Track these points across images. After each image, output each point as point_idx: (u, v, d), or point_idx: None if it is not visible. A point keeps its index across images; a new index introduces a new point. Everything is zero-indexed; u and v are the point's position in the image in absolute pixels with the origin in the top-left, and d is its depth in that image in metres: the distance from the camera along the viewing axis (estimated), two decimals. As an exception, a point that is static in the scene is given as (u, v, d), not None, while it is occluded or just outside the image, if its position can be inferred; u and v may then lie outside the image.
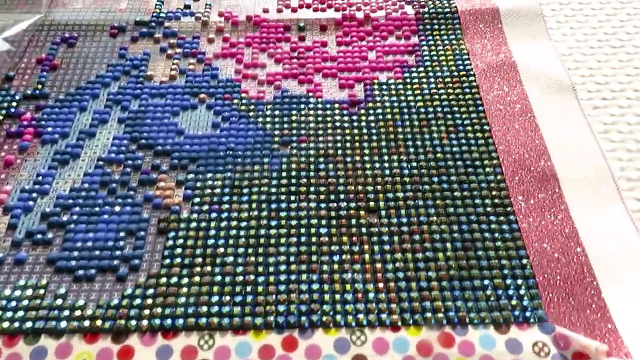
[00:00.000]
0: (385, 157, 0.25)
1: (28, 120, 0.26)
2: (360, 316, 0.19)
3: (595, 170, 0.24)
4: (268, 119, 0.26)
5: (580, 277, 0.20)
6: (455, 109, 0.26)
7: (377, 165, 0.24)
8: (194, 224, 0.22)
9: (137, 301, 0.20)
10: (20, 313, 0.19)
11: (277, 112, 0.27)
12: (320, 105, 0.27)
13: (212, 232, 0.22)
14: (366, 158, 0.25)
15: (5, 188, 0.23)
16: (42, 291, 0.20)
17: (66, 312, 0.19)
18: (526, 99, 0.26)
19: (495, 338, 0.19)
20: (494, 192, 0.23)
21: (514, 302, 0.20)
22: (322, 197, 0.23)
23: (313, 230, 0.22)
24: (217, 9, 0.32)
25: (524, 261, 0.21)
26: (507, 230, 0.22)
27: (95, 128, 0.26)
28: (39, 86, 0.28)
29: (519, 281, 0.20)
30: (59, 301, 0.20)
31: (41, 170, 0.24)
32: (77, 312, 0.19)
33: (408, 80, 0.28)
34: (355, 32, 0.31)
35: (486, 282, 0.20)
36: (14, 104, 0.27)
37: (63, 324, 0.19)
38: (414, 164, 0.24)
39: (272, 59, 0.29)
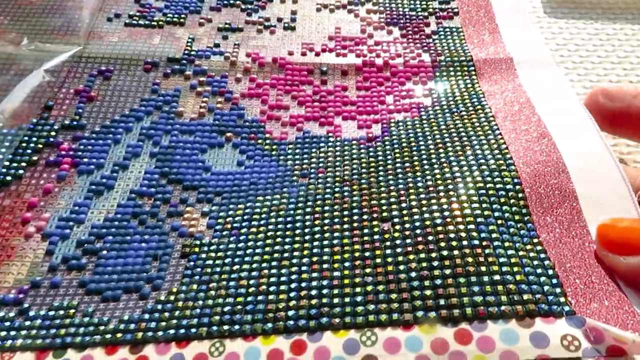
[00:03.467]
0: (400, 175, 0.26)
1: (66, 150, 0.28)
2: (371, 317, 0.20)
3: (614, 188, 0.23)
4: (289, 157, 0.28)
5: (605, 284, 0.20)
6: (472, 133, 0.27)
7: (392, 182, 0.25)
8: (213, 247, 0.24)
9: (155, 315, 0.21)
10: (52, 331, 0.21)
11: (297, 151, 0.28)
12: (338, 143, 0.29)
13: (230, 252, 0.23)
14: (381, 179, 0.26)
15: (45, 215, 0.25)
16: (72, 311, 0.22)
17: (91, 328, 0.21)
18: (543, 127, 0.27)
19: (518, 332, 0.18)
20: (512, 200, 0.23)
21: (538, 296, 0.19)
22: (335, 213, 0.24)
23: (326, 242, 0.23)
24: (244, 50, 0.34)
25: (546, 262, 0.21)
26: (527, 235, 0.22)
27: (129, 161, 0.28)
28: (77, 117, 0.30)
29: (543, 279, 0.20)
30: (86, 319, 0.21)
31: (77, 199, 0.26)
32: (101, 327, 0.21)
33: (424, 117, 0.30)
34: (375, 78, 0.33)
35: (507, 276, 0.20)
36: (53, 133, 0.29)
37: (87, 338, 0.21)
38: (429, 177, 0.25)
39: (296, 101, 0.31)
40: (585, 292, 0.20)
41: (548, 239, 0.22)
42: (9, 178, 0.26)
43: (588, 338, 0.18)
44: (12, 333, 0.21)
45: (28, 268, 0.23)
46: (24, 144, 0.28)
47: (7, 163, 0.27)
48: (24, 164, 0.27)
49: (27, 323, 0.21)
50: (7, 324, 0.21)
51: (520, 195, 0.24)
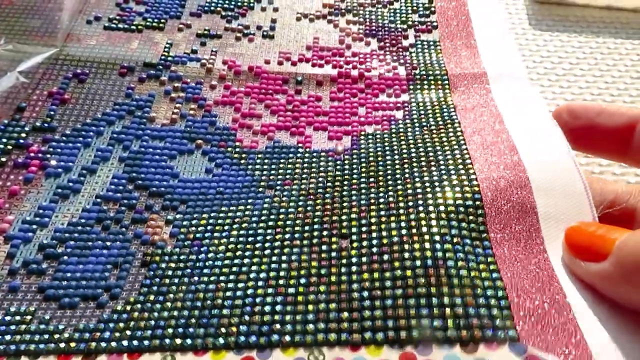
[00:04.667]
0: (363, 190, 0.26)
1: (35, 152, 0.28)
2: (320, 336, 0.20)
3: (577, 207, 0.23)
4: (257, 167, 0.28)
5: (556, 303, 0.20)
6: (439, 149, 0.28)
7: (354, 197, 0.26)
8: (174, 257, 0.24)
9: (110, 325, 0.21)
10: (7, 337, 0.21)
11: (266, 161, 0.28)
12: (307, 154, 0.29)
13: (190, 263, 0.24)
14: (344, 193, 0.26)
15: (8, 218, 0.25)
16: (29, 317, 0.22)
17: (46, 336, 0.21)
18: (511, 140, 0.27)
19: (461, 358, 0.19)
20: (471, 217, 0.23)
21: (484, 320, 0.20)
22: (297, 228, 0.25)
23: (284, 258, 0.23)
24: (221, 57, 0.34)
25: (498, 283, 0.21)
26: (482, 254, 0.22)
27: (97, 165, 0.28)
28: (48, 119, 0.30)
29: (492, 301, 0.20)
30: (42, 326, 0.21)
31: (43, 202, 0.26)
32: (56, 335, 0.21)
33: (394, 130, 0.30)
34: (349, 89, 0.33)
35: (456, 299, 0.20)
36: (23, 135, 0.29)
37: (41, 345, 0.21)
38: (391, 192, 0.25)
39: (269, 110, 0.31)
40: (534, 313, 0.20)
41: (503, 256, 0.22)
42: (-25, 179, 0.26)
43: None
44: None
45: (-12, 271, 0.23)
46: (-7, 145, 0.28)
47: (-26, 164, 0.27)
48: (-9, 166, 0.27)
49: None
50: None
51: (479, 211, 0.24)
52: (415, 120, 0.30)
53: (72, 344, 0.21)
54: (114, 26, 0.36)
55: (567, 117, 0.26)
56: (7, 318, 0.22)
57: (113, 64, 0.33)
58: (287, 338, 0.20)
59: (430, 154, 0.27)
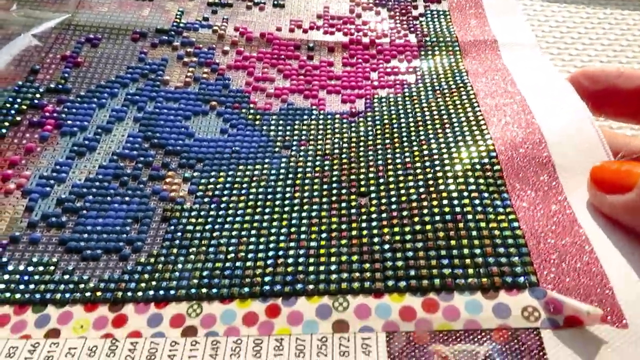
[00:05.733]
0: (380, 151, 0.26)
1: (50, 112, 0.28)
2: (344, 284, 0.20)
3: (592, 157, 0.23)
4: (272, 127, 0.28)
5: (577, 245, 0.20)
6: (452, 111, 0.28)
7: (371, 157, 0.26)
8: (194, 213, 0.24)
9: (135, 276, 0.21)
10: (31, 286, 0.21)
11: (281, 122, 0.29)
12: (322, 116, 0.29)
13: (211, 219, 0.24)
14: (361, 154, 0.26)
15: (25, 173, 0.25)
16: (52, 267, 0.22)
17: (71, 285, 0.21)
18: (524, 102, 0.27)
19: (482, 303, 0.19)
20: (487, 173, 0.24)
21: (504, 268, 0.20)
22: (315, 187, 0.25)
23: (304, 214, 0.24)
24: (233, 24, 0.34)
25: (517, 231, 0.21)
26: (500, 205, 0.22)
27: (112, 124, 0.28)
28: (62, 81, 0.30)
29: (511, 249, 0.21)
30: (66, 276, 0.22)
31: (59, 159, 0.26)
32: (81, 285, 0.21)
33: (407, 94, 0.30)
34: (361, 55, 0.33)
35: (476, 249, 0.21)
36: (38, 95, 0.29)
37: (67, 295, 0.21)
38: (407, 153, 0.26)
39: (281, 74, 0.31)
40: (555, 258, 0.20)
41: (522, 205, 0.22)
42: (-9, 137, 0.26)
43: (547, 310, 0.19)
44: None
45: (7, 223, 0.23)
46: (7, 105, 0.28)
47: (-10, 122, 0.27)
48: (6, 124, 0.27)
49: (6, 277, 0.21)
50: None
51: (496, 167, 0.24)
52: (428, 84, 0.30)
53: (98, 293, 0.21)
54: (125, -6, 0.36)
55: (586, 81, 0.26)
56: (30, 268, 0.22)
57: (125, 29, 0.33)
58: (311, 287, 0.21)
59: (444, 116, 0.28)
